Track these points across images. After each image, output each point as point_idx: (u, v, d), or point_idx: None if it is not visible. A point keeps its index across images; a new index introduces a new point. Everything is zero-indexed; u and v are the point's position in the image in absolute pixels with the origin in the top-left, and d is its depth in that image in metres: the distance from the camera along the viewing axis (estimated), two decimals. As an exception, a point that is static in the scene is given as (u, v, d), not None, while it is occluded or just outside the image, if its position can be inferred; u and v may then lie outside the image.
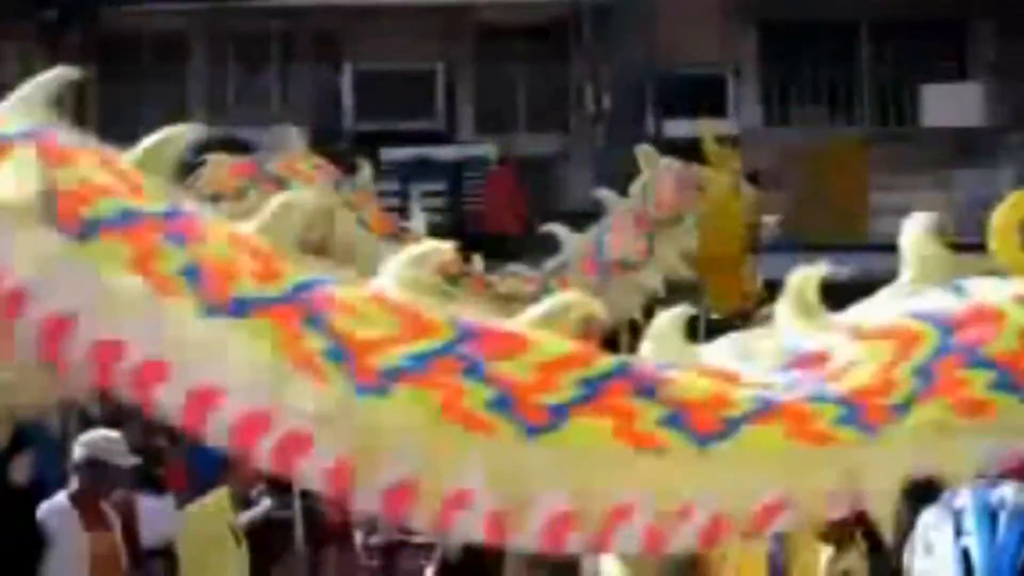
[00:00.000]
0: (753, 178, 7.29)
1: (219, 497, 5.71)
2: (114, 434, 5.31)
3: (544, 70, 12.81)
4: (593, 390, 1.95)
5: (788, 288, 2.18)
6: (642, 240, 6.45)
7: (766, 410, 2.00)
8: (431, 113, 12.25)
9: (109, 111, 12.98)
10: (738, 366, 2.08)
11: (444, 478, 1.92)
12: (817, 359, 2.09)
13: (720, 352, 2.11)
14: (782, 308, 2.15)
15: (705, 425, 1.97)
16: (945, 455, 2.11)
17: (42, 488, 5.81)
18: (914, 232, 2.33)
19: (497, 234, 10.91)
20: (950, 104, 12.04)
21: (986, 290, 2.18)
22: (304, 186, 5.12)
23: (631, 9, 11.67)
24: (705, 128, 11.66)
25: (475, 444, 1.91)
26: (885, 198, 11.60)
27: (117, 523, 5.49)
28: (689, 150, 11.59)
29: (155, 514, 5.86)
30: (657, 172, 6.71)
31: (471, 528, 1.97)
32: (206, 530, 5.66)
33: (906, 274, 2.30)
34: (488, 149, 12.03)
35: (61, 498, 5.41)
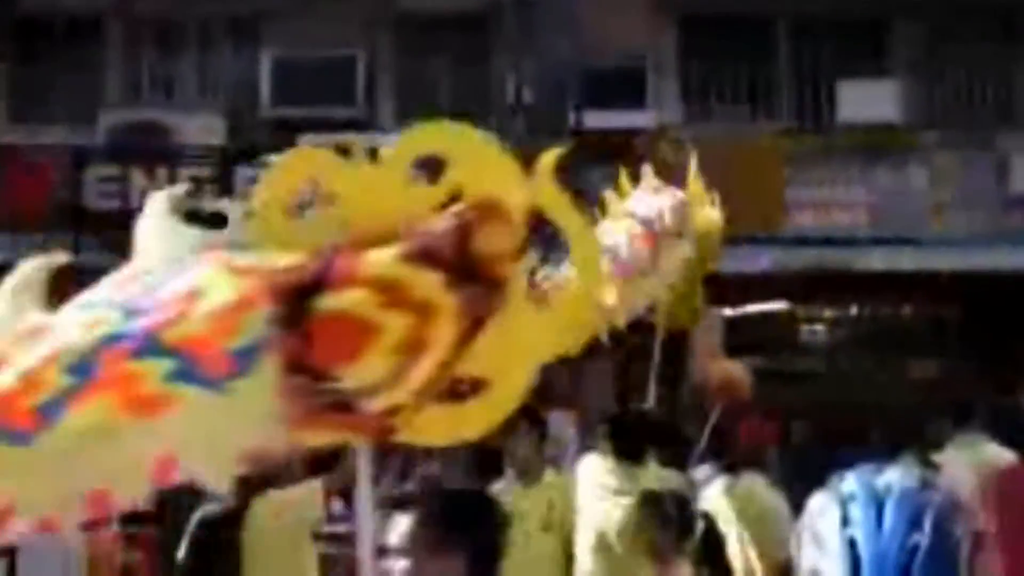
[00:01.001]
0: None
1: (311, 490, 5.47)
2: None
3: (465, 60, 12.76)
4: None
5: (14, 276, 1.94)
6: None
7: None
8: (351, 101, 12.14)
9: (23, 94, 12.71)
10: None
11: None
12: None
13: None
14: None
15: None
16: (111, 462, 1.81)
17: None
18: (152, 210, 2.12)
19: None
20: (866, 101, 12.19)
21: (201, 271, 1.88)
22: None
23: (553, 1, 11.67)
24: (625, 121, 11.76)
25: None
26: (801, 193, 11.74)
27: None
28: (609, 143, 11.67)
29: None
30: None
31: None
32: (280, 522, 5.43)
33: (144, 258, 2.07)
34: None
35: None
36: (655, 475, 5.79)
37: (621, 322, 5.31)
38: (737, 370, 6.91)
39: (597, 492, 5.75)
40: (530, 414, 6.07)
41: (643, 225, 5.72)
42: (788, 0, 12.46)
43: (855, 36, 12.84)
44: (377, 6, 12.50)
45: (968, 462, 6.00)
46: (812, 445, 10.72)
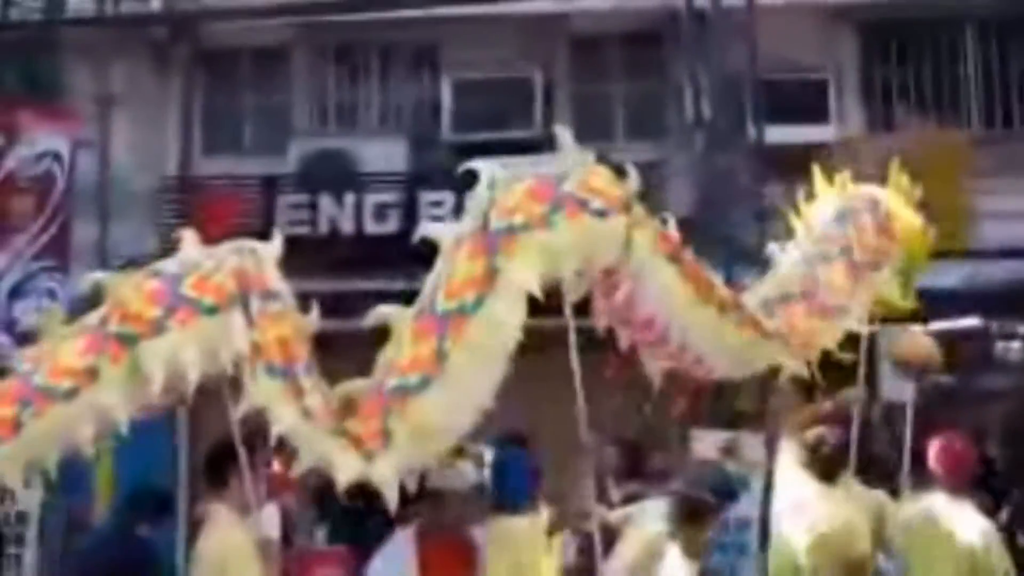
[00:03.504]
0: None
1: (534, 523, 5.34)
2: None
3: (641, 77, 12.76)
4: None
5: None
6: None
7: None
8: (529, 122, 12.26)
9: (215, 124, 13.23)
10: None
11: None
12: None
13: None
14: None
15: None
16: None
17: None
18: None
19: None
20: (1060, 105, 11.75)
21: None
22: (605, 206, 4.48)
23: (729, 14, 11.58)
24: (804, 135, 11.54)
25: None
26: (993, 203, 11.35)
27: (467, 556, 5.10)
28: (790, 157, 11.50)
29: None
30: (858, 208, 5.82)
31: None
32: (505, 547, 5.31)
33: None
34: (587, 158, 11.98)
35: (404, 537, 5.07)
36: (848, 493, 5.70)
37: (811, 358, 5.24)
38: (923, 341, 6.59)
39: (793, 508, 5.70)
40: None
41: (843, 254, 5.49)
42: (974, 3, 12.09)
43: (1046, 37, 12.39)
44: (552, 26, 12.61)
45: None
46: (1010, 467, 10.33)
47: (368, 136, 12.70)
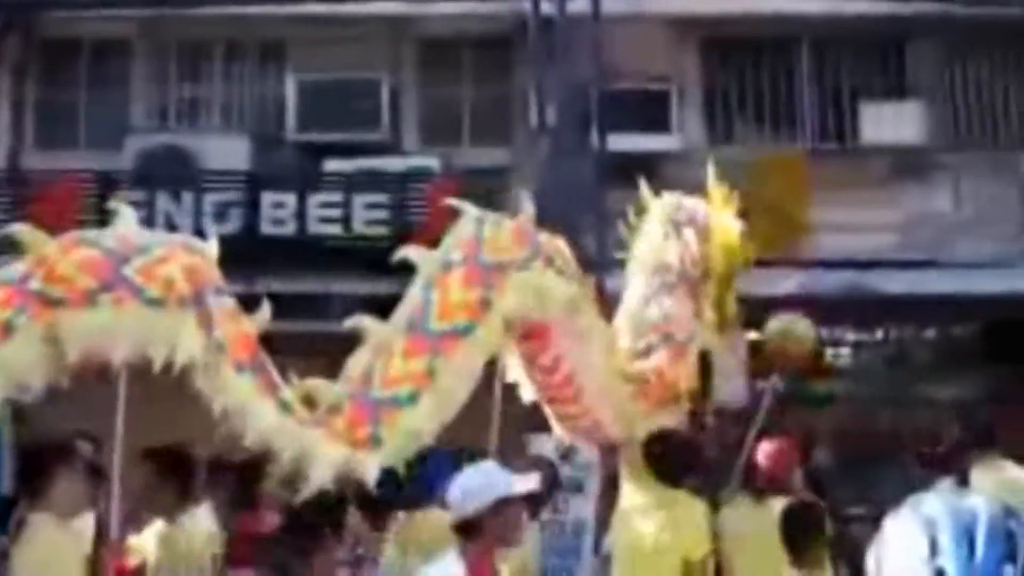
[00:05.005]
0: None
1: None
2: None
3: (489, 82, 12.80)
4: None
5: None
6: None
7: None
8: (375, 124, 12.19)
9: (49, 117, 12.82)
10: None
11: None
12: None
13: None
14: None
15: None
16: None
17: None
18: None
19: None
20: (889, 122, 12.17)
21: None
22: (564, 268, 4.95)
23: (576, 23, 11.70)
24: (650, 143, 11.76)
25: None
26: (826, 215, 11.71)
27: None
28: (633, 165, 11.67)
29: None
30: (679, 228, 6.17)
31: None
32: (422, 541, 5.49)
33: None
34: (432, 161, 11.98)
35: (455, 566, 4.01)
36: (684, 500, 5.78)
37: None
38: (797, 327, 6.90)
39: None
40: None
41: (680, 278, 5.88)
42: (809, 22, 12.46)
43: (876, 57, 12.83)
44: (400, 29, 12.57)
45: (993, 486, 5.95)
46: (835, 469, 10.67)
47: (210, 134, 12.46)
